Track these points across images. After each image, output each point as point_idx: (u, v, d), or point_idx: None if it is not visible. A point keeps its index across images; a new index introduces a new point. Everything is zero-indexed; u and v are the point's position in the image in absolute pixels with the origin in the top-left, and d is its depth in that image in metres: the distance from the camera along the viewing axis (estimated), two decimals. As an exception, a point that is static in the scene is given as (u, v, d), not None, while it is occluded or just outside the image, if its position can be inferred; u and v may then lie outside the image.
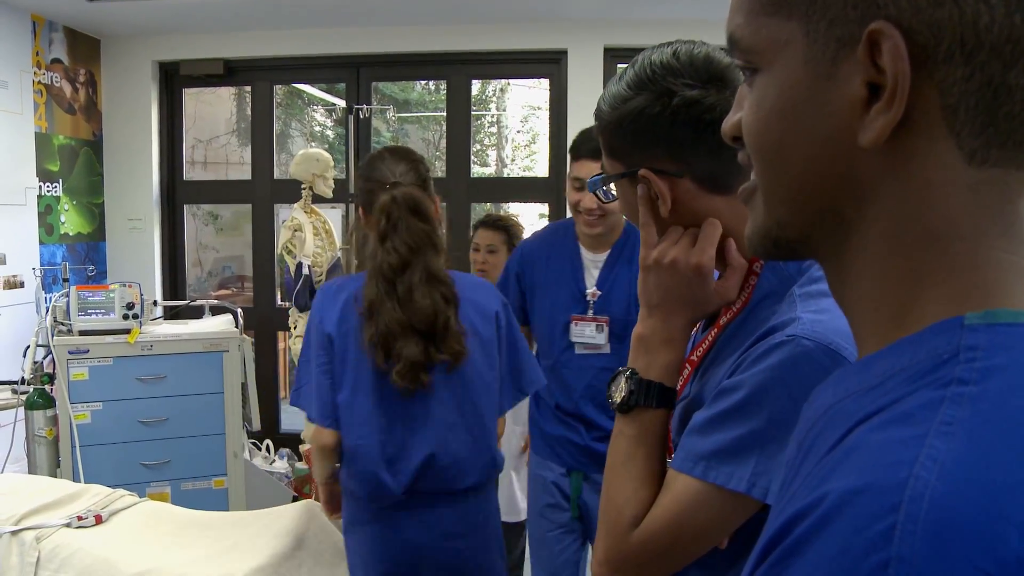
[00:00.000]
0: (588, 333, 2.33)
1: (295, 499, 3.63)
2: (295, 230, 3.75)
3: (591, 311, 2.34)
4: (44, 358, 3.30)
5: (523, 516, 3.22)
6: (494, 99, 9.92)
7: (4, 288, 4.22)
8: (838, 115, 0.49)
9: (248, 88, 5.37)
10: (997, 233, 0.47)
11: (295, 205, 3.85)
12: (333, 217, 4.02)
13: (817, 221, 0.53)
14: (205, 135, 7.97)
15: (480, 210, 5.03)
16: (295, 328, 3.83)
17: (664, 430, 0.98)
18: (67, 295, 3.30)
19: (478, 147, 9.78)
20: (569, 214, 2.51)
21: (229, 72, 5.01)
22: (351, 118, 4.55)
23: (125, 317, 3.28)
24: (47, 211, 4.55)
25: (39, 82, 4.47)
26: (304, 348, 2.02)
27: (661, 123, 0.95)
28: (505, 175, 9.45)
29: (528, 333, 2.49)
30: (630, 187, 1.01)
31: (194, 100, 6.25)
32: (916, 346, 0.46)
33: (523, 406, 2.85)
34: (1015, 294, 0.47)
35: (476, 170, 7.00)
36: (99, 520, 2.23)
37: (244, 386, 3.52)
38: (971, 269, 0.47)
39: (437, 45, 4.77)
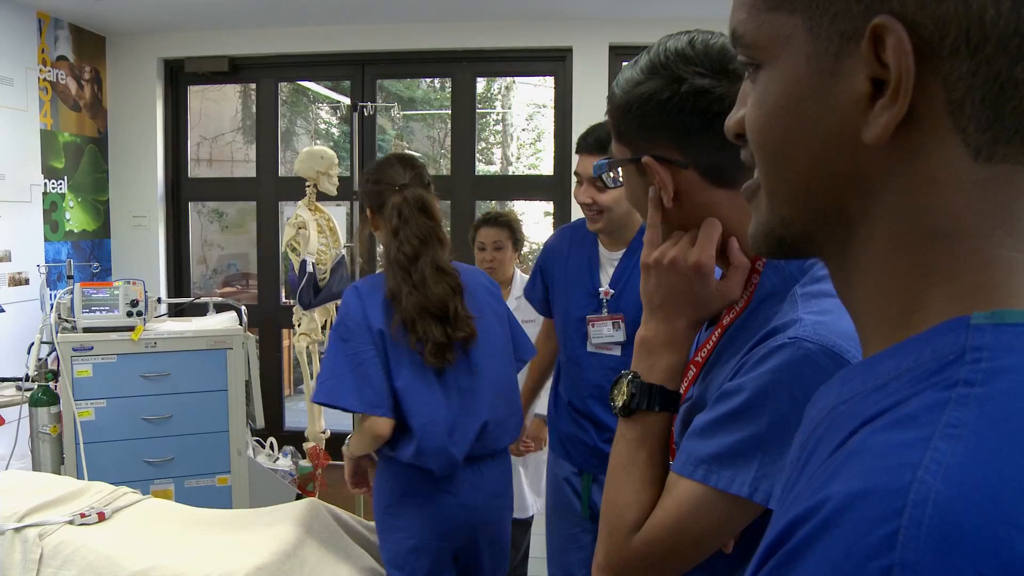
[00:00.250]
0: (606, 332, 2.32)
1: (298, 497, 3.63)
2: (299, 227, 3.74)
3: (605, 309, 2.34)
4: (48, 355, 3.31)
5: (529, 512, 3.23)
6: (499, 97, 9.91)
7: (9, 285, 4.23)
8: (841, 111, 0.48)
9: (253, 85, 5.38)
10: (1004, 231, 0.46)
11: (299, 202, 3.85)
12: (337, 214, 4.01)
13: (821, 219, 0.52)
14: (210, 132, 7.97)
15: (485, 207, 5.02)
16: (299, 325, 3.83)
17: (666, 433, 0.97)
18: (71, 292, 3.30)
19: (483, 145, 9.78)
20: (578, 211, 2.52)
21: (234, 69, 5.02)
22: (356, 115, 4.55)
23: (129, 314, 3.28)
24: (52, 208, 4.56)
25: (44, 79, 4.48)
26: (338, 345, 2.12)
27: (669, 110, 0.94)
28: (510, 173, 9.44)
29: (551, 327, 2.59)
30: (636, 175, 1.00)
31: (199, 97, 6.25)
32: (921, 346, 0.45)
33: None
34: (1023, 294, 0.46)
35: (481, 168, 7.00)
36: (102, 517, 2.24)
37: (248, 383, 3.52)
38: (978, 268, 0.46)
39: (442, 43, 4.77)
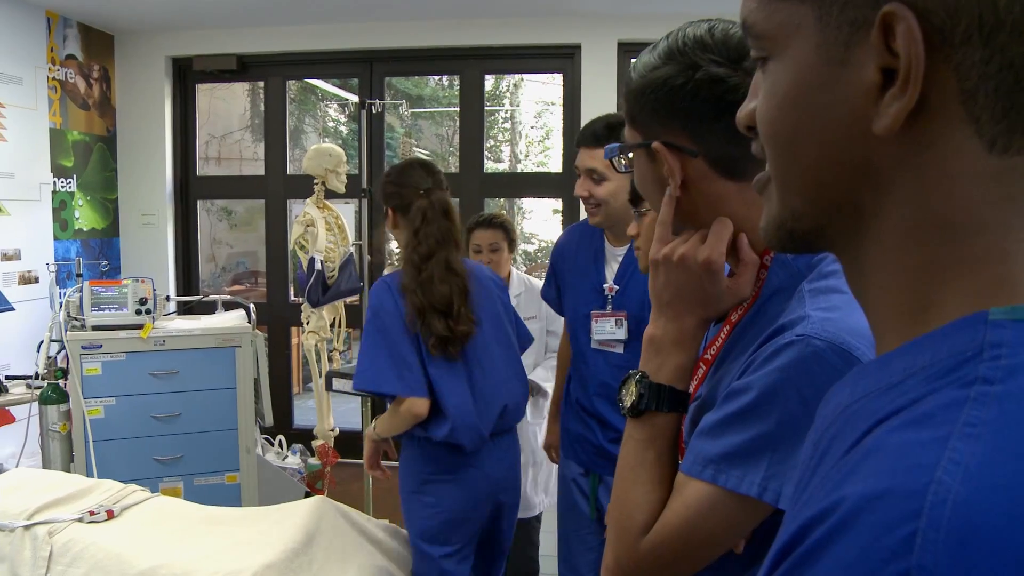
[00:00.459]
0: (608, 328, 2.32)
1: (307, 495, 3.63)
2: (307, 225, 3.74)
3: (609, 306, 2.33)
4: (58, 353, 3.32)
5: (536, 511, 3.22)
6: (508, 94, 9.90)
7: (19, 283, 4.25)
8: (852, 102, 0.47)
9: (261, 83, 5.38)
10: (1022, 224, 0.45)
11: (308, 200, 3.84)
12: (346, 212, 4.00)
13: (832, 212, 0.51)
14: (218, 131, 7.99)
15: (493, 205, 5.01)
16: (308, 323, 3.83)
17: (675, 433, 0.96)
18: (81, 290, 3.31)
19: (492, 142, 9.77)
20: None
21: (242, 67, 5.02)
22: (364, 113, 4.55)
23: (138, 312, 3.29)
24: (61, 207, 4.57)
25: (53, 78, 4.50)
26: (375, 336, 2.30)
27: (682, 96, 0.92)
28: (519, 170, 9.43)
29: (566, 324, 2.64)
30: (646, 160, 0.98)
31: (207, 95, 6.27)
32: (937, 343, 0.44)
33: (542, 403, 3.02)
34: None
35: (489, 165, 6.99)
36: (111, 515, 2.24)
37: (257, 381, 3.52)
38: (995, 262, 0.45)
39: (450, 40, 4.76)
